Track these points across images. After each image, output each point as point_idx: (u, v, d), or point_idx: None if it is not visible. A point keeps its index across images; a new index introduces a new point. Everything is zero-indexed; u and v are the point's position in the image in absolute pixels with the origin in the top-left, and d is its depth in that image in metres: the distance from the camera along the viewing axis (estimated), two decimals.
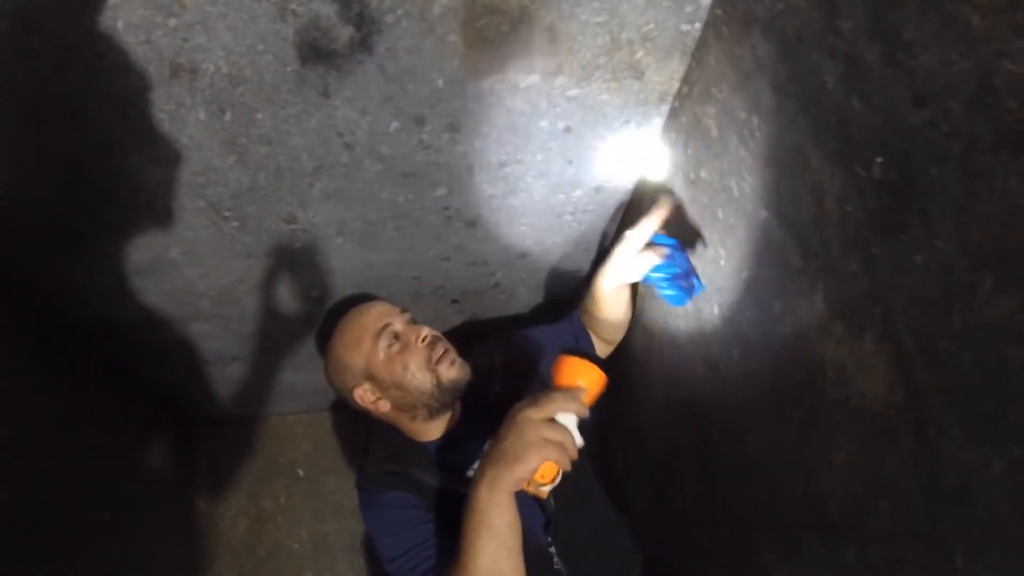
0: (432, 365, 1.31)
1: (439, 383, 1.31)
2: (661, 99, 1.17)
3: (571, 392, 1.01)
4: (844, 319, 0.89)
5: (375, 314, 1.36)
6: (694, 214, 1.23)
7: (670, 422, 1.48)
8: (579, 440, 1.00)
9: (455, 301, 1.71)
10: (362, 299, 1.45)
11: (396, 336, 1.33)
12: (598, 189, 1.37)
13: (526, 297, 1.74)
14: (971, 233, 0.67)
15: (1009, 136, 0.61)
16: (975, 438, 0.71)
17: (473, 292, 1.68)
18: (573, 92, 1.12)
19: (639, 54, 1.08)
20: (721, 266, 1.16)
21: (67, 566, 1.44)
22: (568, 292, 1.77)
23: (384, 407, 1.36)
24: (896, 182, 0.76)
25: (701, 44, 1.07)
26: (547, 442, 0.95)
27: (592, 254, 1.62)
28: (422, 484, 1.31)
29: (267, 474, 2.30)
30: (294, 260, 1.39)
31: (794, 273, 0.98)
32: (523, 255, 1.55)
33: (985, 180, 0.64)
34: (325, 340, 1.45)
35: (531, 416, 0.97)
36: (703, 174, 1.16)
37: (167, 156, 1.08)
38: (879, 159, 0.78)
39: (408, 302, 1.61)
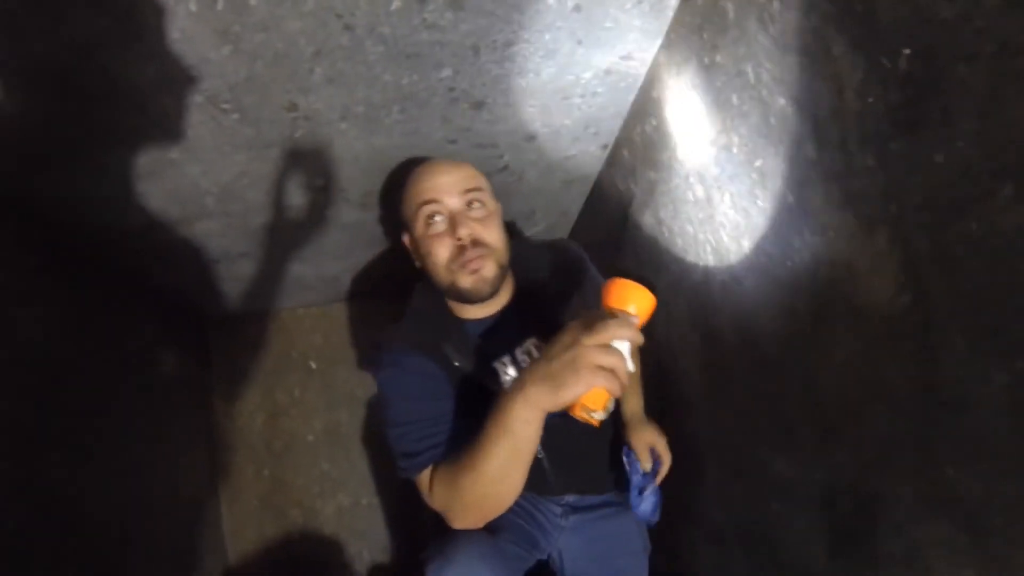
0: (451, 266, 1.26)
1: (453, 285, 1.27)
2: None
3: (627, 319, 0.95)
4: (857, 215, 0.87)
5: (434, 183, 1.27)
6: (708, 100, 1.18)
7: (680, 311, 1.49)
8: (631, 367, 0.94)
9: None
10: (446, 158, 1.37)
11: (435, 216, 1.26)
12: (608, 71, 1.32)
13: (535, 180, 1.72)
14: (995, 137, 0.65)
15: None
16: (979, 348, 0.71)
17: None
18: None
19: None
20: (733, 154, 1.13)
21: (94, 469, 1.51)
22: (578, 176, 1.74)
23: (417, 264, 1.35)
24: (921, 76, 0.73)
25: None
26: (599, 369, 0.90)
27: (601, 138, 1.58)
28: (449, 360, 1.28)
29: (280, 369, 2.36)
30: (297, 149, 1.36)
31: (808, 164, 0.95)
32: (531, 137, 1.52)
33: (1015, 82, 0.61)
34: (403, 173, 1.40)
35: (586, 341, 0.91)
36: (718, 58, 1.11)
37: (158, 52, 1.03)
38: (905, 51, 0.74)
39: None
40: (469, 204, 1.27)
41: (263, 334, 2.32)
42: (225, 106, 1.19)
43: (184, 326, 2.15)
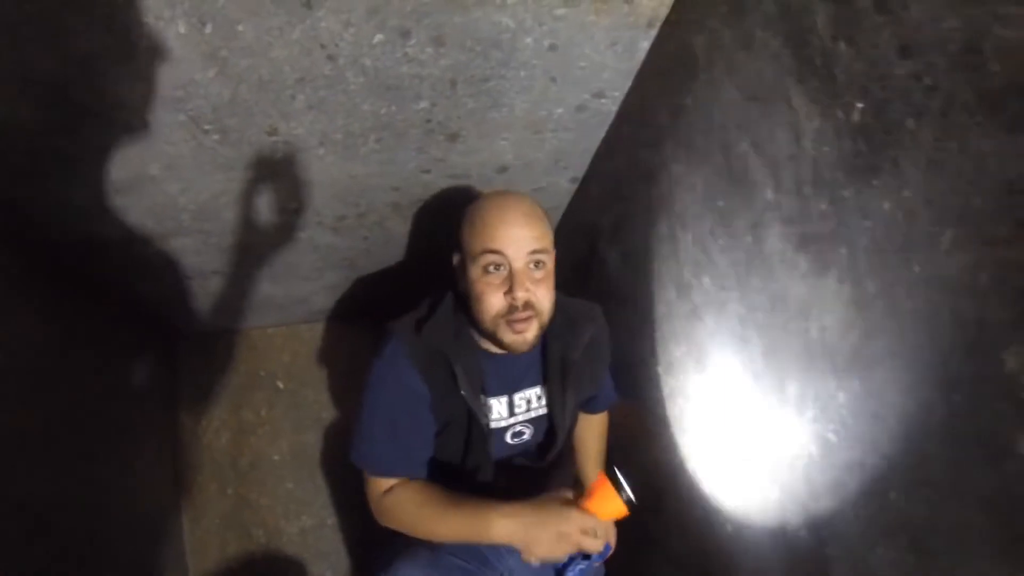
0: (498, 319, 1.24)
1: (494, 335, 1.26)
2: (649, 24, 1.17)
3: (608, 544, 1.25)
4: (809, 256, 0.93)
5: (506, 235, 1.23)
6: (674, 139, 1.24)
7: (642, 342, 1.53)
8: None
9: (434, 212, 1.72)
10: (523, 202, 1.30)
11: (498, 267, 1.24)
12: (580, 108, 1.38)
13: None
14: (938, 187, 0.70)
15: (988, 98, 0.63)
16: (920, 383, 0.77)
17: (453, 205, 1.68)
18: (561, 11, 1.11)
19: None
20: (697, 193, 1.19)
21: (60, 481, 1.49)
22: (547, 207, 1.77)
23: (460, 286, 1.32)
24: (873, 129, 0.78)
25: None
26: (558, 558, 1.21)
27: (571, 171, 1.64)
28: (454, 382, 1.28)
29: (248, 387, 2.35)
30: (275, 172, 1.38)
31: (766, 206, 1.01)
32: (503, 169, 1.56)
33: (959, 138, 0.67)
34: (482, 198, 1.34)
35: (579, 541, 1.19)
36: (686, 101, 1.17)
37: (147, 71, 1.06)
38: (859, 104, 0.80)
39: (389, 214, 1.63)
40: (533, 264, 1.25)
41: (232, 351, 2.31)
42: (207, 127, 1.21)
43: (154, 340, 2.14)
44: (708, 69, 1.09)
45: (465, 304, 1.31)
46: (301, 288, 1.54)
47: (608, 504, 1.22)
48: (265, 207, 1.50)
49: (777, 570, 1.12)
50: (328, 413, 2.39)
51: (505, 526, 1.18)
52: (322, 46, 1.09)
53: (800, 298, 0.96)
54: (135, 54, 1.02)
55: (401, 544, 1.29)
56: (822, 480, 0.98)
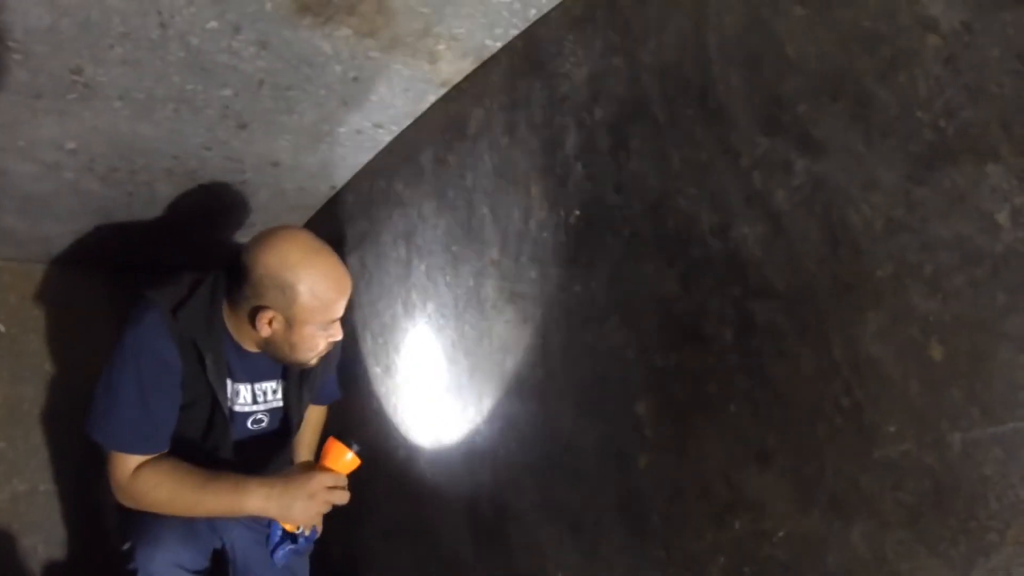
0: (312, 355, 1.34)
1: (306, 363, 1.36)
2: (442, 85, 1.43)
3: (344, 486, 1.28)
4: (516, 309, 1.24)
5: (343, 302, 1.31)
6: (429, 185, 1.51)
7: (366, 344, 1.76)
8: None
9: (203, 187, 1.78)
10: (345, 267, 1.35)
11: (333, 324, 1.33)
12: (359, 131, 1.59)
13: (266, 199, 1.89)
14: (614, 286, 1.04)
15: (662, 240, 0.96)
16: (582, 414, 1.10)
17: (222, 184, 1.78)
18: (375, 54, 1.32)
19: (441, 46, 1.30)
20: (438, 234, 1.47)
21: None
22: (302, 204, 1.97)
23: (263, 334, 1.30)
24: (582, 232, 1.10)
25: (494, 61, 1.32)
26: (314, 519, 1.27)
27: (332, 181, 1.84)
28: (201, 364, 1.30)
29: None
30: (64, 109, 1.37)
31: (491, 262, 1.30)
32: (276, 164, 1.71)
33: (636, 259, 1.01)
34: (300, 249, 1.29)
35: (328, 497, 1.24)
36: (449, 157, 1.44)
37: None
38: (577, 212, 1.11)
39: (161, 177, 1.68)
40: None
41: None
42: (12, 44, 1.18)
43: None
44: (475, 139, 1.36)
45: (234, 307, 1.35)
46: (49, 227, 1.45)
47: (342, 458, 1.29)
48: (42, 140, 1.45)
49: (468, 540, 1.40)
50: (51, 366, 2.08)
51: (259, 497, 1.22)
52: (159, 12, 1.15)
53: (503, 337, 1.26)
54: None
55: (146, 517, 1.29)
56: (505, 475, 1.28)
